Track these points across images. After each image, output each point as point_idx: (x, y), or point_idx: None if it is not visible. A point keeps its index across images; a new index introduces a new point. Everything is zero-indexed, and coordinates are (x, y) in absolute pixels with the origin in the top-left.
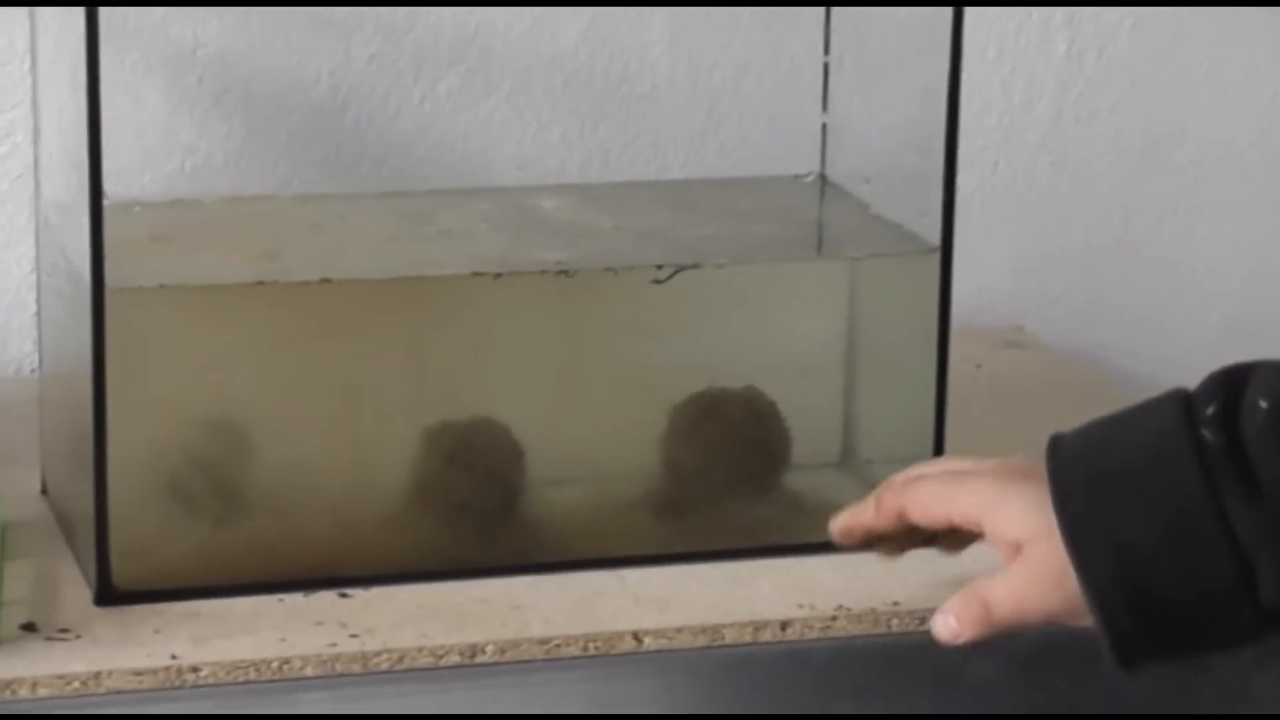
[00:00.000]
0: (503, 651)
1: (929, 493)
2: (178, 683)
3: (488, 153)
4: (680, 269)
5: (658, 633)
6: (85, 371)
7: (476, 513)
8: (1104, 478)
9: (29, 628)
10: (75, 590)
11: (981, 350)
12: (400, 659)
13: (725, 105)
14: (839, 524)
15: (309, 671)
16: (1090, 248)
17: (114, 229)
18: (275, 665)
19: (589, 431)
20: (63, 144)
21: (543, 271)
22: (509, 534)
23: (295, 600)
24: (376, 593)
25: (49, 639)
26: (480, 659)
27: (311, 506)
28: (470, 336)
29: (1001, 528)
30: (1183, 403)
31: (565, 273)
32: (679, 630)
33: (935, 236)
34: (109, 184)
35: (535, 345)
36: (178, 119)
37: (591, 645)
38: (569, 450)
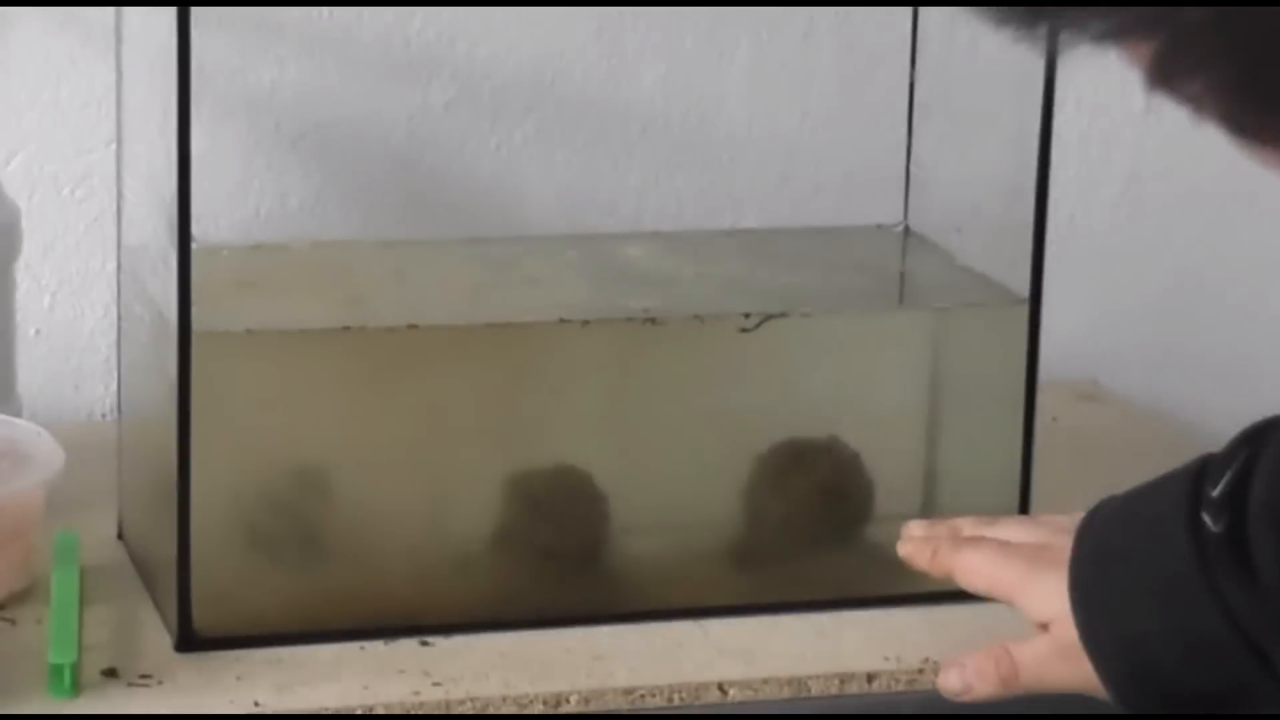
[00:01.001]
0: (587, 701)
1: (976, 563)
2: None
3: (564, 200)
4: (767, 318)
5: (743, 684)
6: (167, 416)
7: (559, 561)
8: (1114, 566)
9: (110, 673)
10: (156, 636)
11: (1057, 404)
12: (485, 707)
13: (804, 154)
14: (904, 550)
15: None
16: (1166, 301)
17: (199, 273)
18: (359, 713)
19: (672, 480)
20: (148, 186)
21: (629, 319)
22: (591, 583)
23: (377, 648)
24: (458, 641)
25: (130, 685)
26: (564, 709)
27: (393, 553)
28: (555, 384)
29: (1030, 611)
30: (1193, 479)
31: (652, 320)
32: (765, 682)
33: (1022, 288)
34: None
35: (620, 393)
36: (254, 164)
37: (676, 696)
38: (652, 499)
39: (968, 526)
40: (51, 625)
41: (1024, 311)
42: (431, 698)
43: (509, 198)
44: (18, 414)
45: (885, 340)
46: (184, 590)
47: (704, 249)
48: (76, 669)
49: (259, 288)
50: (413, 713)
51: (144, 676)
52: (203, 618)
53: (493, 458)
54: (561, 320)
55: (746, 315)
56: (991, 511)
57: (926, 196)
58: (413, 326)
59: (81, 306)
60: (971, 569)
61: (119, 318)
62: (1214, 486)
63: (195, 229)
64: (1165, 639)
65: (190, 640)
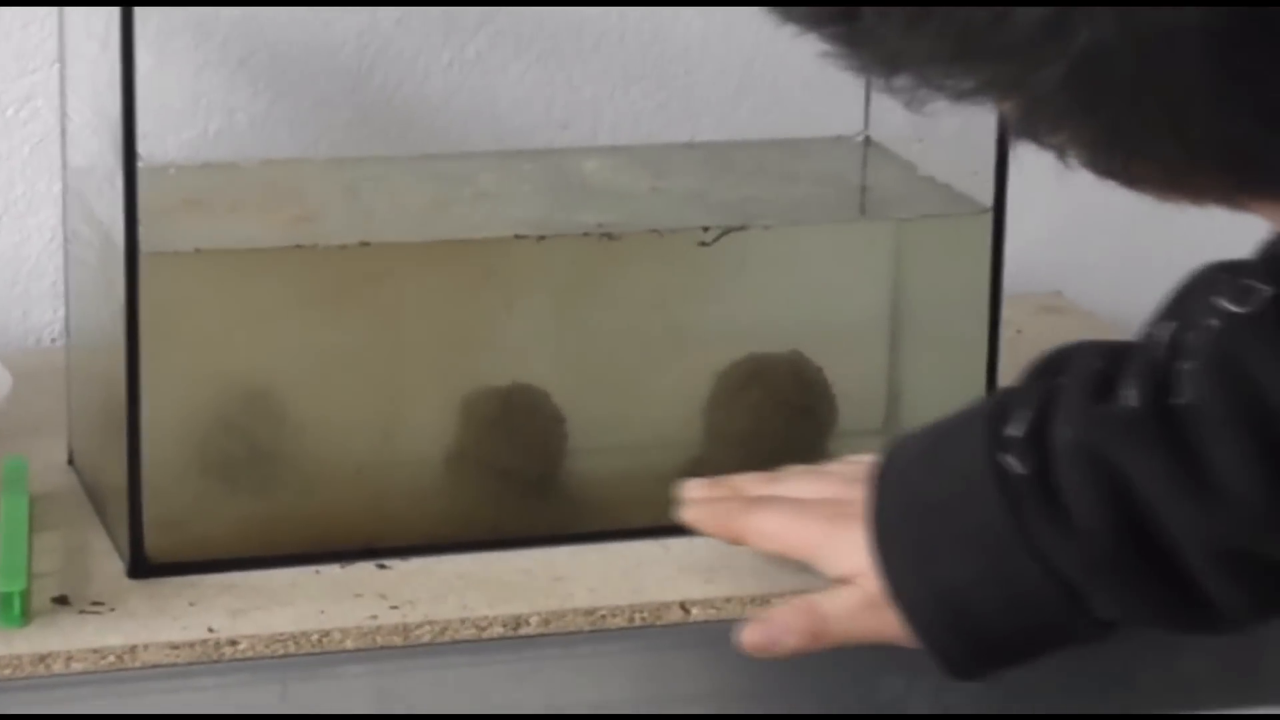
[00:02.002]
0: (547, 623)
1: (769, 525)
2: (215, 656)
3: (518, 115)
4: (726, 231)
5: (705, 603)
6: (116, 340)
7: (517, 481)
8: (917, 514)
9: (61, 600)
10: (107, 563)
11: (1021, 315)
12: (443, 631)
13: (762, 66)
14: (689, 515)
15: (349, 644)
16: (1130, 212)
17: (146, 193)
18: (315, 638)
19: (631, 398)
20: (92, 106)
21: (585, 234)
22: (550, 503)
23: (333, 572)
24: (416, 564)
25: (82, 612)
26: (524, 631)
27: (349, 476)
28: (511, 301)
29: (831, 568)
30: (991, 418)
31: (609, 235)
32: (727, 600)
33: (985, 198)
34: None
35: (577, 310)
36: (203, 83)
37: (638, 616)
38: (611, 417)
39: (751, 484)
40: (0, 553)
41: (987, 222)
42: (389, 621)
43: (462, 113)
44: None
45: (847, 252)
46: (135, 516)
47: (661, 163)
48: (26, 596)
49: (208, 207)
50: (368, 637)
51: (96, 603)
52: (155, 543)
53: (449, 377)
54: (517, 236)
55: (705, 229)
56: None
57: (887, 107)
58: (365, 244)
59: (28, 230)
60: (765, 532)
61: (65, 240)
62: (1014, 426)
63: (142, 149)
64: (977, 585)
65: (142, 566)
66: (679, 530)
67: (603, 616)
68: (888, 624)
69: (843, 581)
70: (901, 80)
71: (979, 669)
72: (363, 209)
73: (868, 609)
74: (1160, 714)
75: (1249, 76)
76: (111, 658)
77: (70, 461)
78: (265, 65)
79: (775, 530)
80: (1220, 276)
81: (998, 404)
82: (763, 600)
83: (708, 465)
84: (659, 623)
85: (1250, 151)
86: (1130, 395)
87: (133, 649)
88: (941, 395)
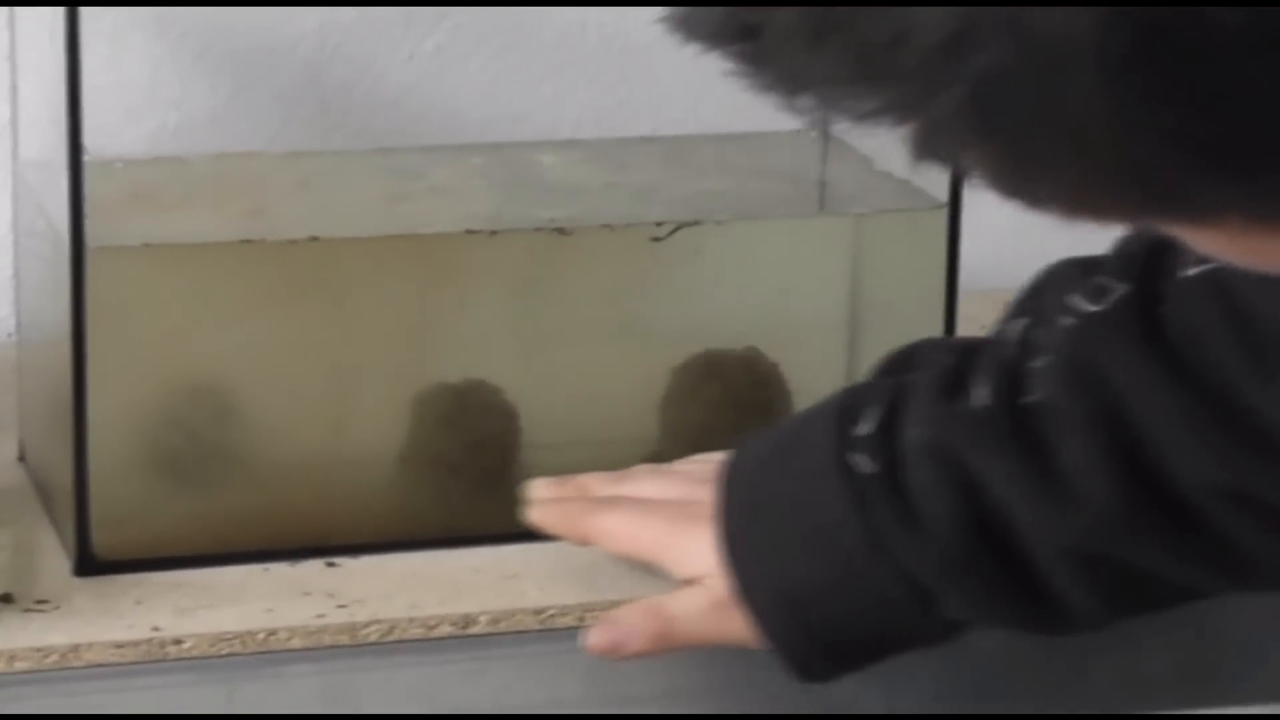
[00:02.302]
0: (496, 622)
1: (615, 526)
2: (160, 655)
3: (478, 110)
4: (680, 226)
5: None
6: (65, 335)
7: (469, 478)
8: (765, 514)
9: (5, 599)
10: (54, 560)
11: (985, 312)
12: (390, 630)
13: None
14: (534, 516)
15: (296, 643)
16: None
17: (95, 187)
18: (261, 637)
19: (586, 394)
20: (42, 100)
21: (538, 229)
22: (503, 500)
23: (282, 570)
24: (366, 562)
25: (26, 610)
26: (473, 630)
27: (299, 473)
28: (463, 296)
29: (678, 569)
30: (838, 416)
31: (561, 230)
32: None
33: (941, 193)
34: (90, 141)
35: (530, 306)
36: (160, 76)
37: (588, 615)
38: (566, 414)
39: (597, 484)
40: None
41: (944, 217)
42: (336, 620)
43: (421, 107)
44: None
45: (804, 248)
46: (81, 513)
47: (620, 157)
48: None
49: (156, 201)
50: (315, 636)
51: (40, 601)
52: (102, 541)
53: (401, 373)
54: (468, 231)
55: (659, 224)
56: None
57: None
58: (314, 239)
59: None
60: (610, 533)
61: (15, 235)
62: (863, 423)
63: (98, 143)
64: (825, 587)
65: (89, 564)
66: None
67: (552, 616)
68: (736, 625)
69: (690, 583)
70: (804, 100)
71: (829, 670)
72: (315, 204)
73: (715, 610)
74: (1158, 714)
75: (1149, 98)
76: (55, 656)
77: (20, 457)
78: (224, 59)
79: (621, 531)
80: (1074, 273)
81: (847, 401)
82: None
83: (664, 461)
84: None
85: (1152, 172)
86: (981, 394)
87: (76, 648)
88: None
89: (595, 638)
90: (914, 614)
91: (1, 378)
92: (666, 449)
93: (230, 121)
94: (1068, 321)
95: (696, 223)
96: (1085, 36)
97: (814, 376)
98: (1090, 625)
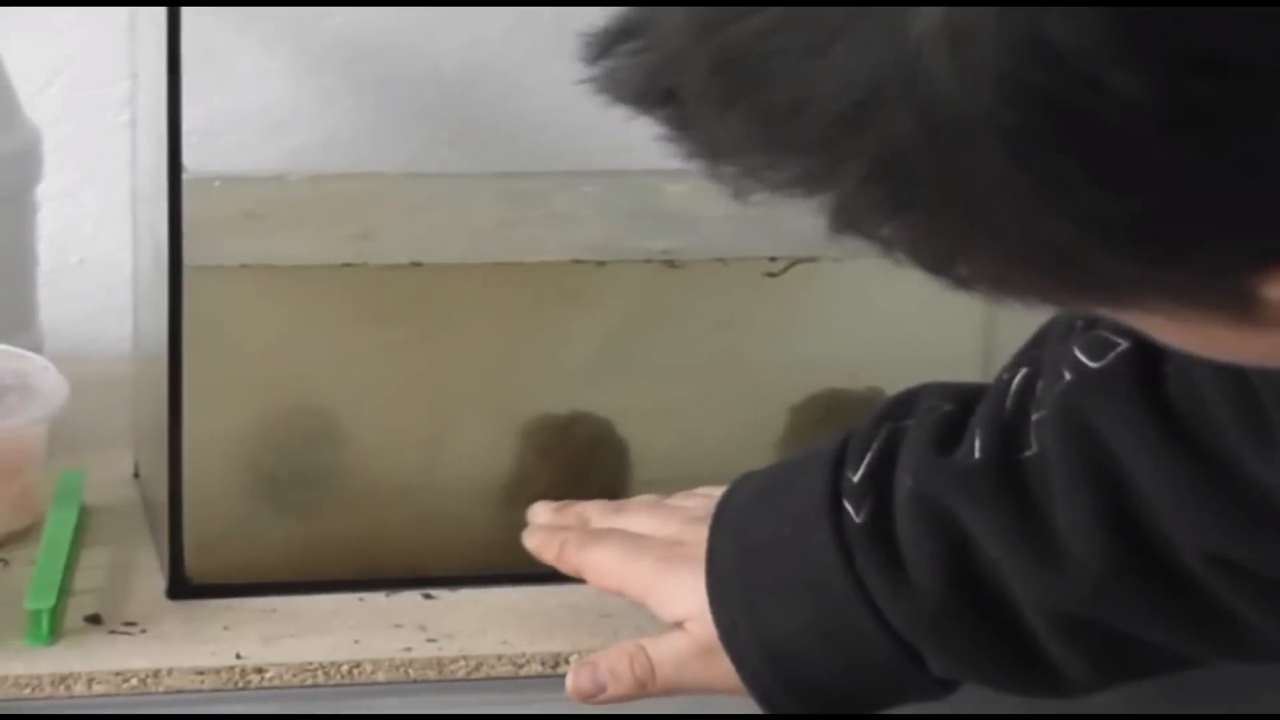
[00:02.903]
0: None
1: (605, 562)
2: (241, 683)
3: (624, 133)
4: (795, 262)
5: None
6: (164, 353)
7: None
8: (751, 558)
9: (93, 619)
10: (151, 582)
11: None
12: (478, 666)
13: None
14: (530, 543)
15: (380, 676)
16: None
17: (205, 206)
18: (345, 669)
19: (699, 430)
20: (154, 115)
21: (647, 260)
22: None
23: (377, 600)
24: (464, 594)
25: (113, 632)
26: (563, 670)
27: (397, 501)
28: (571, 327)
29: (664, 611)
30: (833, 461)
31: (671, 263)
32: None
33: None
34: (231, 158)
35: (642, 338)
36: (305, 92)
37: None
38: (677, 449)
39: (596, 514)
40: (36, 568)
41: None
42: (423, 654)
43: (568, 130)
44: (38, 345)
45: (931, 284)
46: (175, 534)
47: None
48: (56, 614)
49: (268, 220)
50: (401, 670)
51: (128, 624)
52: (196, 564)
53: (504, 402)
54: (575, 260)
55: (772, 259)
56: None
57: None
58: (416, 264)
59: (124, 235)
60: (600, 567)
61: (134, 253)
62: (854, 469)
63: (239, 159)
64: (808, 637)
65: (182, 587)
66: None
67: None
68: (720, 673)
69: (676, 626)
70: (726, 168)
71: None
72: (426, 227)
73: (698, 657)
74: (1162, 714)
75: (1053, 175)
76: (135, 681)
77: (136, 475)
78: (370, 75)
79: (609, 568)
80: (1076, 325)
81: (841, 444)
82: None
83: None
84: None
85: (1064, 254)
86: (974, 446)
87: (156, 673)
88: None
89: (574, 679)
90: (900, 670)
91: (123, 394)
92: None
93: (373, 139)
94: (1067, 376)
95: (812, 259)
96: (983, 108)
97: None
98: (1083, 690)
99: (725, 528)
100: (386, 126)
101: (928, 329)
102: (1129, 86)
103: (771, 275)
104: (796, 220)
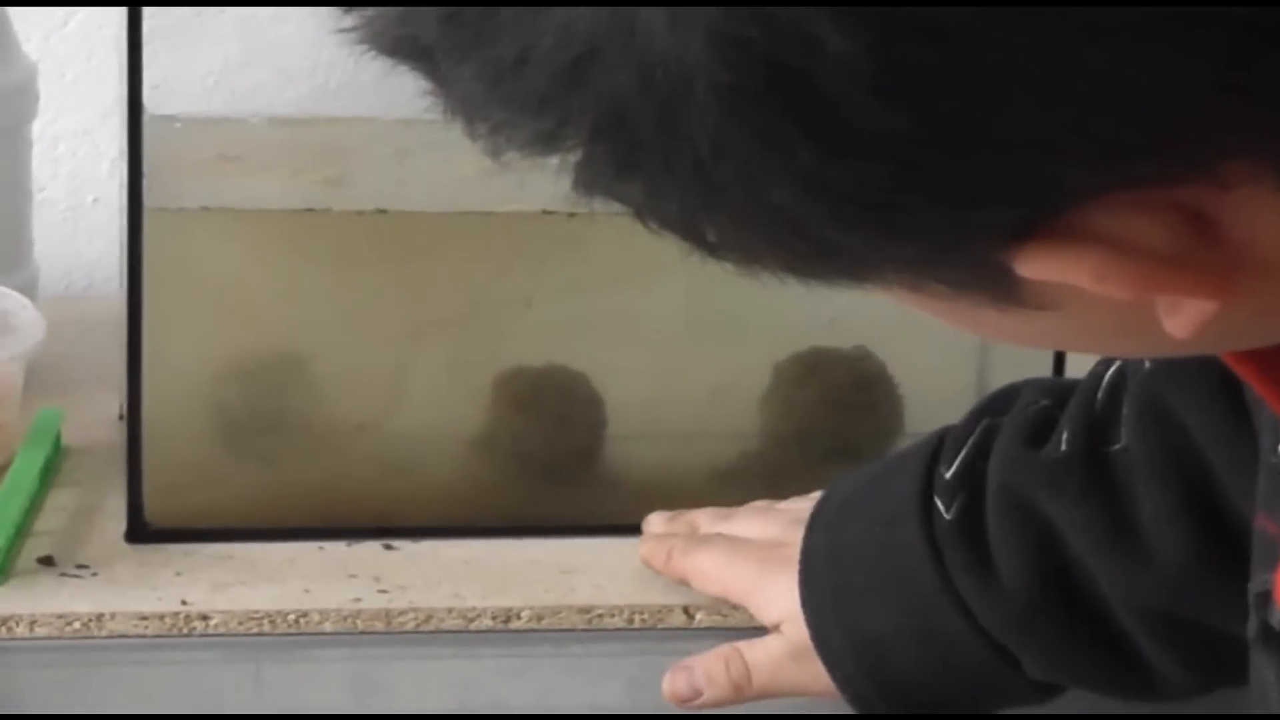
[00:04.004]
0: (539, 618)
1: (708, 566)
2: (185, 630)
3: None
4: None
5: (711, 608)
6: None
7: (544, 466)
8: (844, 561)
9: (46, 561)
10: (114, 526)
11: None
12: (427, 619)
13: None
14: (643, 551)
15: (327, 627)
16: None
17: (181, 148)
18: (292, 618)
19: (678, 386)
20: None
21: (618, 213)
22: (578, 492)
23: (337, 550)
24: (425, 546)
25: (63, 575)
26: (515, 625)
27: (364, 450)
28: (545, 279)
29: (762, 614)
30: (928, 458)
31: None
32: (736, 607)
33: None
34: (245, 100)
35: (618, 292)
36: (324, 35)
37: (637, 617)
38: (654, 405)
39: (705, 521)
40: None
41: None
42: (372, 605)
43: None
44: (32, 281)
45: None
46: (134, 478)
47: None
48: (9, 555)
49: (242, 163)
50: (348, 621)
51: (80, 567)
52: (156, 508)
53: (475, 354)
54: (545, 211)
55: None
56: None
57: None
58: (381, 211)
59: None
60: (703, 571)
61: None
62: (948, 466)
63: (264, 101)
64: (899, 639)
65: (140, 531)
66: None
67: (600, 615)
68: (814, 676)
69: (775, 628)
70: (480, 126)
71: None
72: (404, 175)
73: (792, 660)
74: (1162, 714)
75: (772, 137)
76: (77, 624)
77: (120, 417)
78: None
79: (711, 572)
80: None
81: (937, 441)
82: None
83: (759, 461)
84: (660, 626)
85: (792, 223)
86: (1063, 439)
87: (99, 617)
88: None
89: (670, 682)
90: (996, 673)
91: (114, 334)
92: (764, 448)
93: (390, 84)
94: (1146, 364)
95: None
96: (698, 64)
97: (928, 378)
98: (1181, 692)
99: (820, 527)
100: (382, 71)
101: None
102: (842, 47)
103: None
104: None
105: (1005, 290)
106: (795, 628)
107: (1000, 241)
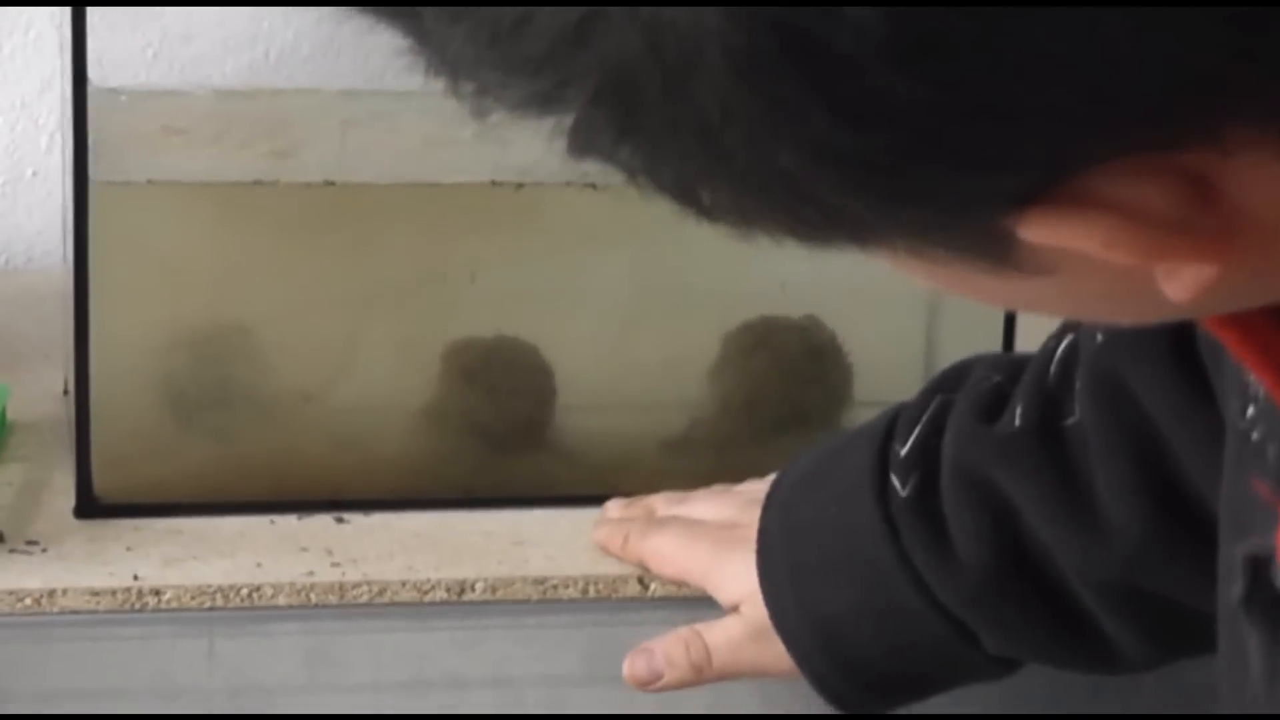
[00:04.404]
0: (494, 590)
1: (665, 548)
2: (137, 605)
3: None
4: None
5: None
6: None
7: (495, 437)
8: (800, 539)
9: None
10: (62, 501)
11: None
12: (381, 592)
13: None
14: (598, 536)
15: (281, 601)
16: None
17: (128, 120)
18: (245, 593)
19: (628, 356)
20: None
21: (568, 184)
22: (531, 463)
23: (288, 523)
24: (377, 519)
25: (12, 551)
26: (469, 597)
27: (314, 423)
28: (492, 250)
29: (721, 595)
30: (882, 435)
31: (593, 185)
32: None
33: None
34: (186, 71)
35: (567, 263)
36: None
37: (592, 588)
38: (605, 376)
39: (661, 504)
40: None
41: None
42: (325, 579)
43: None
44: None
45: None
46: (83, 452)
47: None
48: None
49: (187, 136)
50: (302, 595)
51: (30, 543)
52: (105, 483)
53: (424, 326)
54: (493, 182)
55: None
56: None
57: None
58: (329, 183)
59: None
60: (660, 555)
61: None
62: (902, 443)
63: (204, 72)
64: (857, 616)
65: (89, 506)
66: None
67: (554, 586)
68: (773, 656)
69: (733, 609)
70: (466, 86)
71: (866, 702)
72: (351, 146)
73: (752, 640)
74: (1162, 714)
75: (783, 102)
76: (29, 600)
77: (65, 391)
78: None
79: (668, 554)
80: None
81: (891, 419)
82: None
83: (709, 430)
84: (614, 596)
85: (799, 187)
86: (1016, 414)
87: (51, 593)
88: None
89: (631, 667)
90: (954, 648)
91: (57, 308)
92: (715, 417)
93: (332, 55)
94: (1099, 337)
95: None
96: (711, 28)
97: (879, 347)
98: (1140, 664)
99: (776, 507)
100: (347, 42)
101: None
102: (861, 12)
103: None
104: None
105: (1004, 254)
106: (754, 608)
107: (1006, 207)
